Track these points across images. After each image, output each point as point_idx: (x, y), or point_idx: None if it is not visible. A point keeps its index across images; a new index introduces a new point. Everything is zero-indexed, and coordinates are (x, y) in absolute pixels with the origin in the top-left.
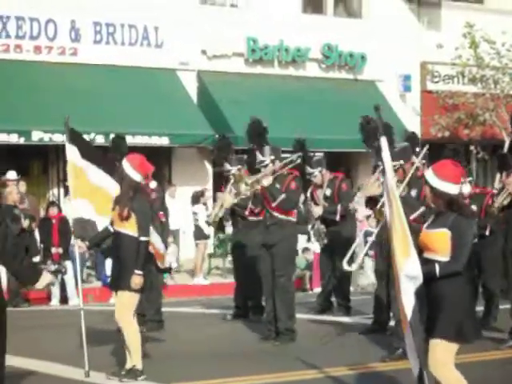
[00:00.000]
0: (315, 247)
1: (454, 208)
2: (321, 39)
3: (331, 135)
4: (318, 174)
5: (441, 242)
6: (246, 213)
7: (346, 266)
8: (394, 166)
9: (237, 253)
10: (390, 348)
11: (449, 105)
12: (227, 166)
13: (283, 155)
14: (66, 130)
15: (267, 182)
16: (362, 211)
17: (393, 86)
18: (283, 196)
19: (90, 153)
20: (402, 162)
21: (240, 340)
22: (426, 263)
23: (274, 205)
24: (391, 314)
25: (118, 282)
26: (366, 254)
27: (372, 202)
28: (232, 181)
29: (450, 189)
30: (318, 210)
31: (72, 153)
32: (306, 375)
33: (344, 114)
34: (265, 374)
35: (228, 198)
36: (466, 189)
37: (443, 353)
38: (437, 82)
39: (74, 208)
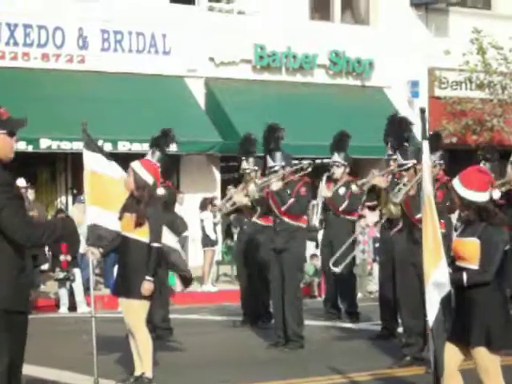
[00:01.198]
0: None
1: (483, 216)
2: (328, 46)
3: (333, 138)
4: (342, 168)
5: (471, 250)
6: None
7: (332, 267)
8: (406, 164)
9: (242, 258)
10: (399, 355)
11: (456, 111)
12: (244, 164)
13: (294, 161)
14: (84, 136)
15: (276, 186)
16: (371, 217)
17: (400, 92)
18: (292, 200)
19: (105, 158)
20: (414, 161)
21: (249, 347)
22: (457, 271)
23: (283, 209)
24: (399, 321)
25: (127, 289)
26: (375, 260)
27: (372, 193)
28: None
29: (478, 197)
30: (326, 192)
31: (88, 159)
32: (316, 382)
33: (352, 121)
34: (274, 381)
35: (239, 195)
36: (496, 194)
37: (488, 361)
38: (444, 88)
39: (88, 215)
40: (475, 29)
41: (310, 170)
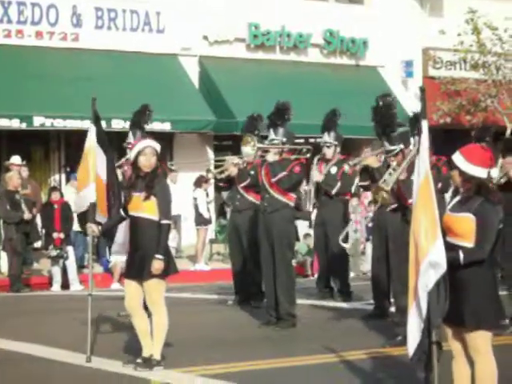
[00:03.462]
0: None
1: (481, 192)
2: (323, 25)
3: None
4: (333, 148)
5: (465, 226)
6: (242, 185)
7: (341, 243)
8: (394, 150)
9: (234, 237)
10: (391, 334)
11: (451, 91)
12: (234, 159)
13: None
14: (92, 112)
15: (272, 158)
16: (366, 196)
17: (395, 71)
18: (284, 173)
19: (103, 139)
20: (401, 146)
21: (241, 325)
22: (450, 248)
23: (273, 180)
24: (392, 300)
25: (142, 270)
26: (368, 239)
27: (365, 173)
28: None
29: (479, 172)
30: (318, 176)
31: (94, 135)
32: (307, 360)
33: (346, 100)
34: (266, 360)
35: (231, 166)
36: (495, 173)
37: (480, 341)
38: (439, 68)
39: (91, 191)
40: (470, 9)
41: (307, 156)
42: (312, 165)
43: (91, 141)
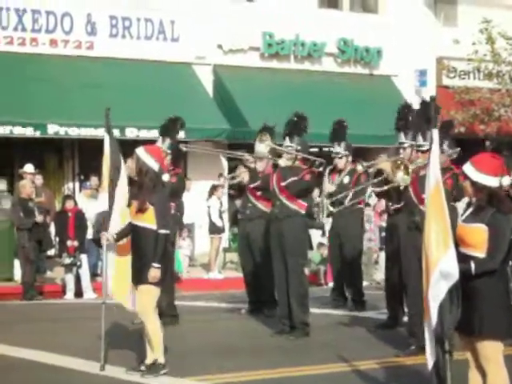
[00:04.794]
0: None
1: (493, 202)
2: (337, 34)
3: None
4: (344, 158)
5: (477, 237)
6: (253, 186)
7: (330, 207)
8: (425, 145)
9: (245, 245)
10: (404, 344)
11: (465, 100)
12: (246, 156)
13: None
14: (106, 122)
15: (284, 163)
16: (379, 205)
17: (408, 81)
18: (294, 178)
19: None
20: None
21: (254, 334)
22: (463, 258)
23: (283, 184)
24: (405, 310)
25: (138, 277)
26: (381, 249)
27: (379, 175)
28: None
29: (490, 181)
30: (330, 187)
31: (108, 144)
32: (320, 370)
33: (359, 109)
34: (279, 369)
35: (244, 174)
36: (506, 181)
37: (491, 351)
38: (453, 78)
39: (103, 201)
40: (485, 18)
41: (320, 169)
42: (324, 176)
43: (106, 150)
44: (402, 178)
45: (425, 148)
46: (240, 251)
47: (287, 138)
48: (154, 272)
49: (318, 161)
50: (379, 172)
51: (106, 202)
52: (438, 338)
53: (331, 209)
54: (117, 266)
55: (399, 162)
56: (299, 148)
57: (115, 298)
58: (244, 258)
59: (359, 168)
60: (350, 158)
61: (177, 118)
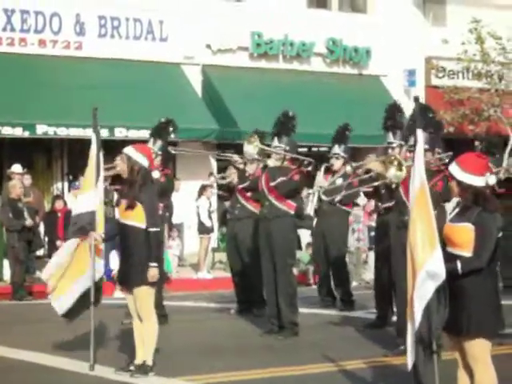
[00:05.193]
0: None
1: (479, 201)
2: (326, 34)
3: (335, 130)
4: (341, 159)
5: (464, 236)
6: (241, 186)
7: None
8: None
9: (233, 245)
10: (393, 343)
11: (454, 100)
12: (235, 157)
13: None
14: (93, 122)
15: (272, 163)
16: (369, 205)
17: (397, 80)
18: (283, 178)
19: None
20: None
21: (243, 334)
22: (449, 258)
23: (272, 184)
24: (394, 309)
25: (129, 277)
26: (371, 249)
27: (368, 178)
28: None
29: (476, 181)
30: (322, 182)
31: (95, 144)
32: (309, 369)
33: (348, 109)
34: (268, 368)
35: (233, 174)
36: (492, 180)
37: (479, 350)
38: (441, 77)
39: (91, 199)
40: (474, 18)
41: (308, 168)
42: (318, 171)
43: (93, 149)
44: (394, 175)
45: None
46: (228, 251)
47: (275, 139)
48: (153, 271)
49: (306, 160)
50: (368, 172)
51: (87, 202)
52: (420, 338)
53: (323, 197)
54: (71, 264)
55: (392, 158)
56: (287, 148)
57: (50, 290)
58: (232, 258)
59: (348, 169)
60: (347, 161)
61: (169, 121)
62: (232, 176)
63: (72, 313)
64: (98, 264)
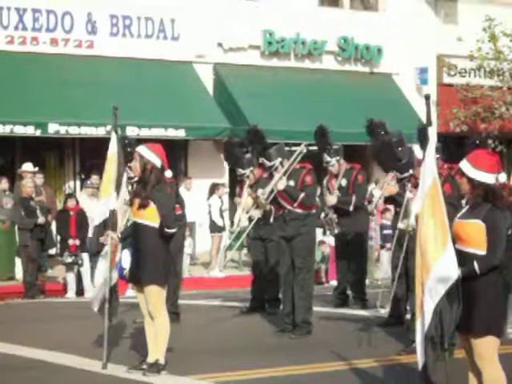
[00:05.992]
0: (331, 240)
1: (489, 198)
2: (337, 32)
3: (346, 128)
4: (336, 164)
5: (473, 232)
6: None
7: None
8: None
9: (254, 245)
10: (406, 341)
11: (467, 98)
12: (240, 171)
13: (290, 148)
14: (113, 121)
15: (282, 184)
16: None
17: (409, 79)
18: (302, 195)
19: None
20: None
21: (256, 333)
22: (460, 256)
23: (295, 205)
24: (408, 308)
25: (141, 276)
26: (383, 247)
27: (390, 200)
28: (247, 184)
29: (486, 178)
30: (332, 199)
31: (115, 143)
32: (322, 368)
33: (360, 107)
34: (281, 367)
35: (248, 203)
36: (503, 178)
37: (485, 348)
38: (453, 75)
39: (112, 200)
40: (488, 16)
41: (305, 150)
42: (323, 188)
43: (113, 149)
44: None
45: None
46: (252, 248)
47: (264, 160)
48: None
49: (301, 149)
50: (388, 200)
51: (111, 203)
52: (431, 337)
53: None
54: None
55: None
56: (280, 159)
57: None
58: (255, 255)
59: (369, 209)
60: (342, 160)
61: None
62: (246, 203)
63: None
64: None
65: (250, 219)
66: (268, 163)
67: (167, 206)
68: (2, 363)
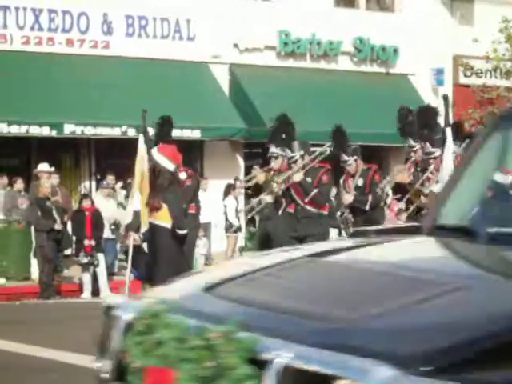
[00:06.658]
0: None
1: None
2: (353, 33)
3: (362, 129)
4: (353, 163)
5: None
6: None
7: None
8: (434, 153)
9: (264, 244)
10: None
11: (483, 99)
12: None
13: (313, 148)
14: (142, 123)
15: (299, 177)
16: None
17: (425, 79)
18: (315, 191)
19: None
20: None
21: None
22: None
23: (307, 200)
24: None
25: (154, 275)
26: None
27: (400, 189)
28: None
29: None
30: (348, 198)
31: (142, 145)
32: None
33: (376, 108)
34: None
35: (260, 176)
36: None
37: None
38: (469, 76)
39: (135, 201)
40: (505, 17)
41: (327, 152)
42: (340, 187)
43: (140, 150)
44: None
45: (436, 155)
46: (259, 249)
47: (287, 150)
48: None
49: (323, 150)
50: (398, 186)
51: (134, 203)
52: None
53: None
54: None
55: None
56: (302, 152)
57: None
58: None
59: (378, 191)
60: (359, 160)
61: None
62: (258, 176)
63: None
64: None
65: (260, 202)
66: (290, 153)
67: (178, 208)
68: (22, 365)
